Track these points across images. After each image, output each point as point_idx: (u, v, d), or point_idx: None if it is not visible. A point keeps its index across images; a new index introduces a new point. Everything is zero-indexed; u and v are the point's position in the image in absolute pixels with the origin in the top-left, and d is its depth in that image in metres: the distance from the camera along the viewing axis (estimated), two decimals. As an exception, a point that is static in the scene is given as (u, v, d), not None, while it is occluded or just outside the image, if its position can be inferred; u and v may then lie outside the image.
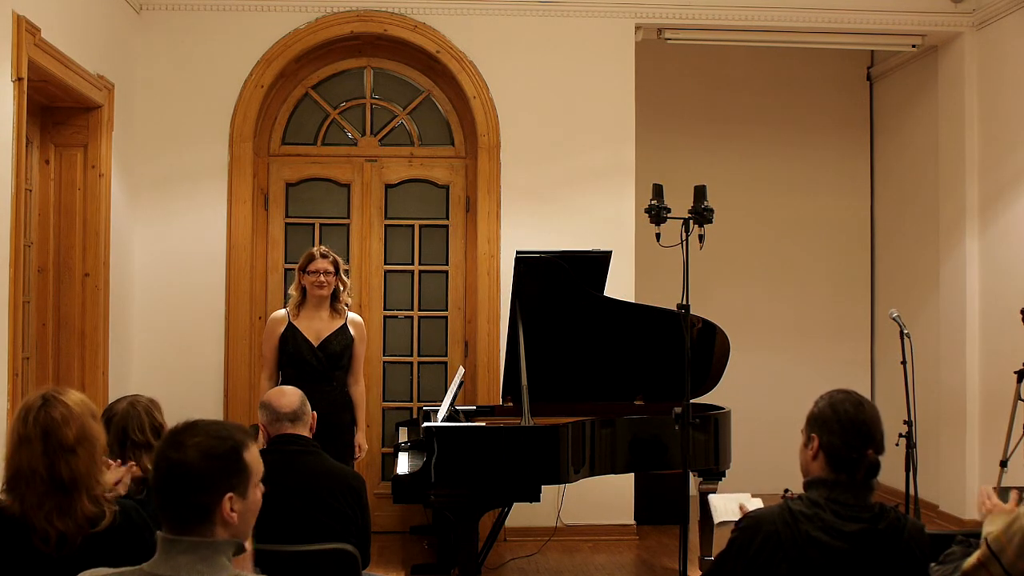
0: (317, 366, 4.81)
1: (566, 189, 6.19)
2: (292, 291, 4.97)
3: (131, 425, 3.02)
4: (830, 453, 2.43)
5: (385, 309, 6.31)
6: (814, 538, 2.35)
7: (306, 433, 3.35)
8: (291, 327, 4.84)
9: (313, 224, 6.30)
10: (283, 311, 4.94)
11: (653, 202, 4.55)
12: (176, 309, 6.01)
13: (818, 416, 2.48)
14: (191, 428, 1.98)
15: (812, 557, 2.35)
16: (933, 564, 2.56)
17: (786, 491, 2.55)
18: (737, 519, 2.54)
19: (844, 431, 2.41)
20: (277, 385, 4.47)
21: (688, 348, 4.51)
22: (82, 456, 2.34)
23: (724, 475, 5.13)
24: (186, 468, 1.91)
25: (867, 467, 2.42)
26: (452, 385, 5.15)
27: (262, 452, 3.48)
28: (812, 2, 6.29)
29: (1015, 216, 6.00)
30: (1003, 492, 4.84)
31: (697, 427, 4.82)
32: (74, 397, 2.43)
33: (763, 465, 6.48)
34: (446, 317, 6.34)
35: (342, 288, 4.92)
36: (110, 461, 2.84)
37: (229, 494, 1.93)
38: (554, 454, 4.42)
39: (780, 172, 7.60)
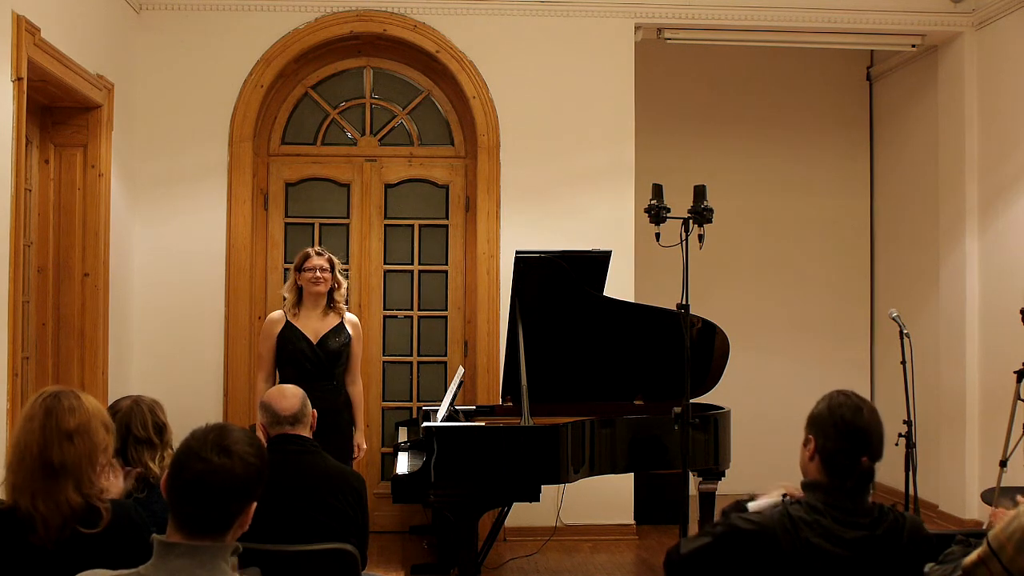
0: (316, 364, 4.81)
1: (566, 189, 6.19)
2: (286, 293, 4.96)
3: (134, 422, 3.02)
4: (825, 457, 2.41)
5: (385, 309, 6.31)
6: (815, 545, 2.33)
7: (306, 434, 3.34)
8: (289, 326, 4.84)
9: (313, 224, 6.30)
10: (279, 312, 4.94)
11: (653, 202, 4.54)
12: (176, 309, 6.01)
13: (816, 417, 2.45)
14: (228, 433, 1.95)
15: (814, 565, 2.33)
16: (932, 564, 2.55)
17: (784, 496, 2.51)
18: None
19: (839, 436, 2.39)
20: (274, 386, 4.44)
21: (688, 348, 4.51)
22: (78, 446, 2.34)
23: (724, 475, 5.13)
24: (234, 476, 1.89)
25: (860, 474, 2.39)
26: (452, 385, 5.15)
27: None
28: (812, 2, 6.29)
29: (1015, 216, 6.00)
30: (1009, 492, 4.84)
31: (697, 427, 4.81)
32: (91, 400, 2.45)
33: (763, 465, 6.44)
34: (446, 317, 6.34)
35: (338, 286, 4.92)
36: (116, 466, 2.84)
37: (255, 502, 1.94)
38: (554, 454, 4.42)
39: (780, 172, 7.60)
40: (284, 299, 4.99)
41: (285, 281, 6.16)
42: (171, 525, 1.92)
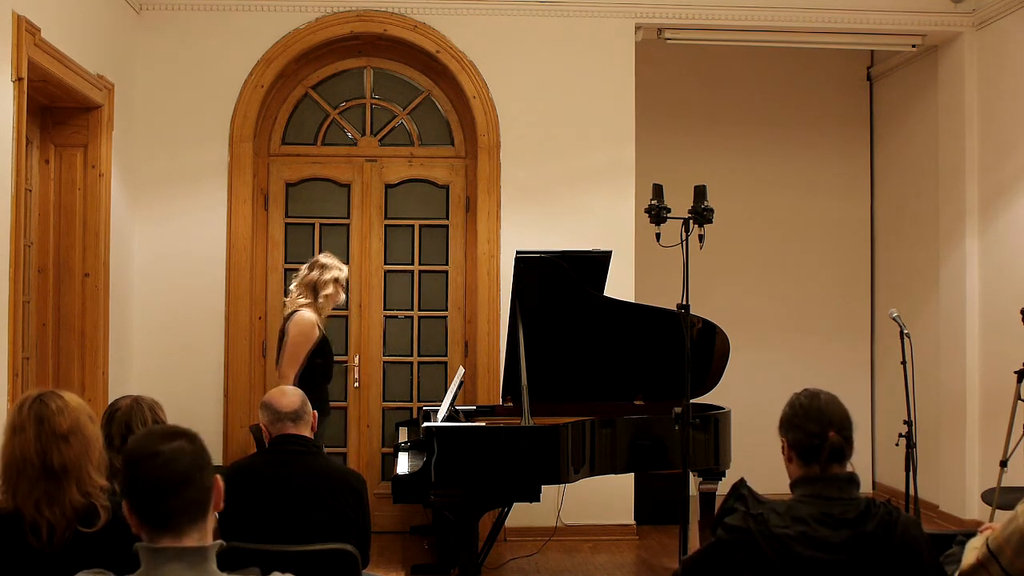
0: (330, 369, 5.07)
1: (566, 189, 6.19)
2: (322, 299, 4.97)
3: (135, 420, 3.02)
4: (796, 447, 2.44)
5: (385, 309, 6.31)
6: (797, 553, 2.30)
7: (307, 433, 3.35)
8: (324, 336, 4.99)
9: (313, 224, 6.30)
10: (315, 317, 4.97)
11: (653, 202, 4.55)
12: (176, 309, 6.01)
13: (781, 419, 2.51)
14: (157, 429, 1.95)
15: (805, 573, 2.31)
16: None
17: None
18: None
19: (802, 421, 2.44)
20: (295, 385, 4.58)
21: (688, 348, 4.51)
22: (74, 446, 2.35)
23: (724, 475, 5.13)
24: (190, 452, 1.90)
25: (830, 449, 2.41)
26: (452, 385, 5.16)
27: (264, 452, 3.50)
28: (812, 2, 6.29)
29: (1015, 216, 6.00)
30: (1009, 492, 4.84)
31: (697, 427, 4.82)
32: (72, 396, 2.46)
33: (763, 465, 6.45)
34: (446, 317, 6.34)
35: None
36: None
37: (216, 473, 1.96)
38: (554, 454, 4.42)
39: (780, 172, 7.59)
40: (314, 303, 4.98)
41: (286, 281, 6.21)
42: (152, 533, 1.89)
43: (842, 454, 2.42)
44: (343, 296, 5.10)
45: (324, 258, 5.06)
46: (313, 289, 4.97)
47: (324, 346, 4.98)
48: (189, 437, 1.94)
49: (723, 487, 5.07)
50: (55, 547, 2.29)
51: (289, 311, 5.02)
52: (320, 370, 4.94)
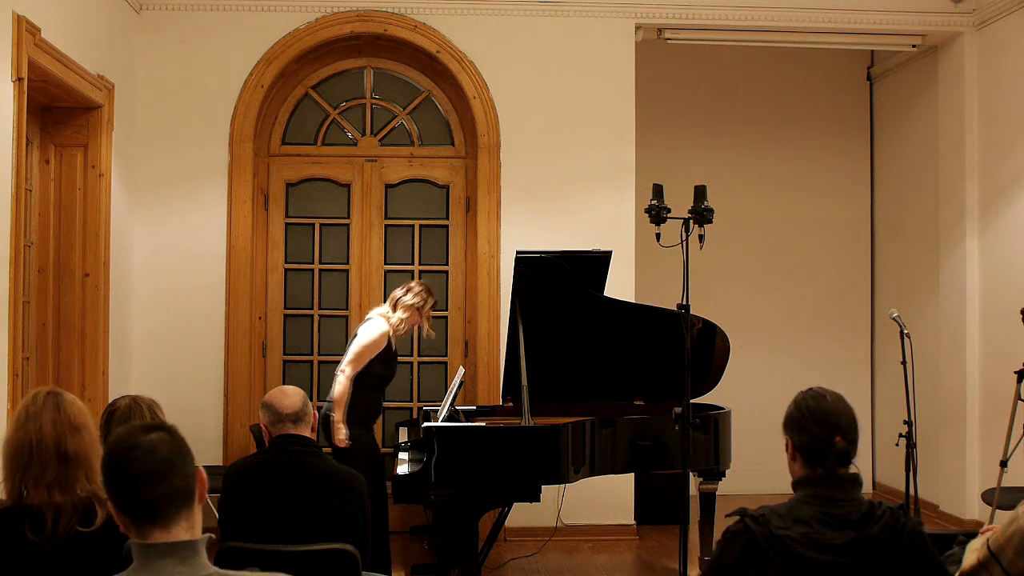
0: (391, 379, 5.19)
1: (566, 189, 6.19)
2: (402, 326, 5.06)
3: (134, 419, 3.02)
4: (802, 449, 2.44)
5: (385, 309, 6.30)
6: (798, 554, 2.30)
7: (308, 433, 3.35)
8: (390, 345, 5.05)
9: (313, 224, 6.30)
10: (388, 328, 5.03)
11: (653, 202, 4.55)
12: (176, 309, 6.01)
13: (787, 419, 2.50)
14: (138, 424, 1.97)
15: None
16: None
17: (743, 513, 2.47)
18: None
19: (809, 424, 2.43)
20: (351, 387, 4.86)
21: (688, 348, 4.51)
22: (85, 438, 2.42)
23: (724, 475, 5.13)
24: (171, 442, 1.88)
25: (837, 455, 2.41)
26: (452, 385, 5.16)
27: (264, 452, 3.51)
28: (812, 2, 6.29)
29: (1015, 216, 6.00)
30: (1009, 492, 4.84)
31: (697, 427, 4.82)
32: (78, 400, 2.53)
33: (763, 465, 6.47)
34: (446, 317, 6.34)
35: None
36: None
37: (199, 466, 1.95)
38: (554, 454, 4.42)
39: (780, 172, 7.60)
40: (398, 321, 5.06)
41: (286, 281, 6.26)
42: (141, 529, 1.88)
43: (848, 458, 2.42)
44: (425, 325, 5.16)
45: (418, 286, 5.16)
46: (394, 306, 5.09)
47: (387, 356, 5.05)
48: (166, 429, 1.93)
49: (723, 487, 5.12)
50: (56, 541, 2.30)
51: (368, 315, 5.11)
52: (377, 377, 5.04)
